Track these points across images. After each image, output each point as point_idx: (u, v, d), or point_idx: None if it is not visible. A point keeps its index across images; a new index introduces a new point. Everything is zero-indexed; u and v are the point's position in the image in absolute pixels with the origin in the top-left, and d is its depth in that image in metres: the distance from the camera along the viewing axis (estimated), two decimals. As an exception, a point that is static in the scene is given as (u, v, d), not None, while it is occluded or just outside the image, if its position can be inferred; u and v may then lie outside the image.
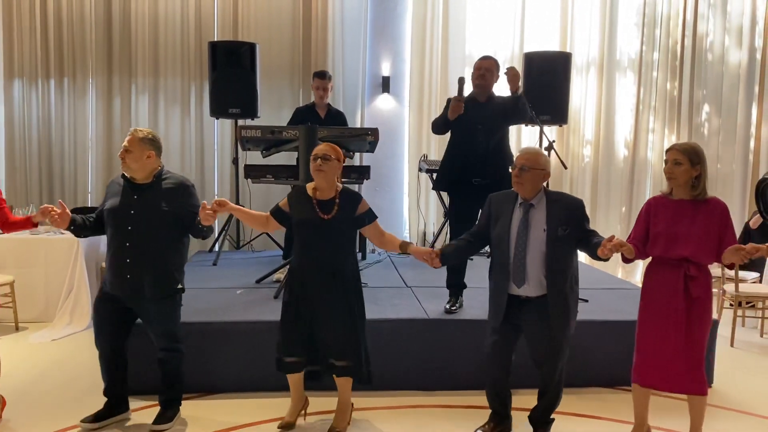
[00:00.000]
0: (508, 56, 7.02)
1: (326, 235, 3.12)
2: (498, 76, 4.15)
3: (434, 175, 6.29)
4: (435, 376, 3.90)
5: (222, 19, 6.82)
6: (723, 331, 5.14)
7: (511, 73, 3.96)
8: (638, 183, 7.29)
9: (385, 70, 6.88)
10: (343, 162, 3.25)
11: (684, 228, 2.91)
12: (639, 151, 7.25)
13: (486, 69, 4.07)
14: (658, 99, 7.24)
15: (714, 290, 5.53)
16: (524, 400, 3.43)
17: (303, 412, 3.42)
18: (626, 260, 3.02)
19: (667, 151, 2.99)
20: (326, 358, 3.19)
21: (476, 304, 4.10)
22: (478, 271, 4.23)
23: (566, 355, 3.12)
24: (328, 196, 3.16)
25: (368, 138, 4.54)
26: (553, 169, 6.34)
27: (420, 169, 6.37)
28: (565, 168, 5.37)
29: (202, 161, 6.93)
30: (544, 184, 3.14)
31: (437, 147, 7.02)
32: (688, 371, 2.96)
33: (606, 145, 7.20)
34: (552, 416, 3.26)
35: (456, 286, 4.16)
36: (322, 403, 3.54)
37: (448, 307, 4.05)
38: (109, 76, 6.78)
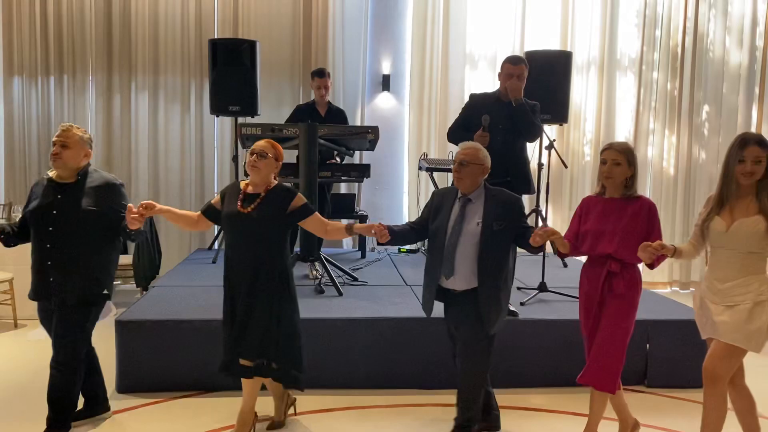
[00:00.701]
0: (509, 54, 6.99)
1: (248, 230, 3.02)
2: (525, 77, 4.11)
3: (434, 174, 6.33)
4: (435, 375, 3.89)
5: (222, 17, 6.80)
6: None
7: (512, 86, 3.95)
8: (638, 182, 7.26)
9: (386, 68, 6.88)
10: (281, 161, 3.15)
11: (610, 226, 2.94)
12: (639, 151, 7.23)
13: (518, 76, 4.02)
14: (659, 99, 7.23)
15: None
16: (524, 399, 3.43)
17: (289, 409, 3.36)
18: (560, 255, 3.06)
19: (604, 150, 3.00)
20: (248, 356, 3.04)
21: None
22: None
23: (490, 351, 3.09)
24: (256, 191, 3.09)
25: (369, 136, 4.54)
26: (553, 168, 6.36)
27: (420, 168, 6.36)
28: (566, 167, 5.36)
29: (202, 159, 6.92)
30: (484, 179, 3.15)
31: (438, 146, 7.01)
32: (597, 365, 2.95)
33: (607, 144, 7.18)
34: (473, 422, 3.14)
35: None
36: (321, 401, 3.53)
37: None
38: (109, 74, 6.77)
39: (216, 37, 6.68)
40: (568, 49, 6.87)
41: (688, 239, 2.98)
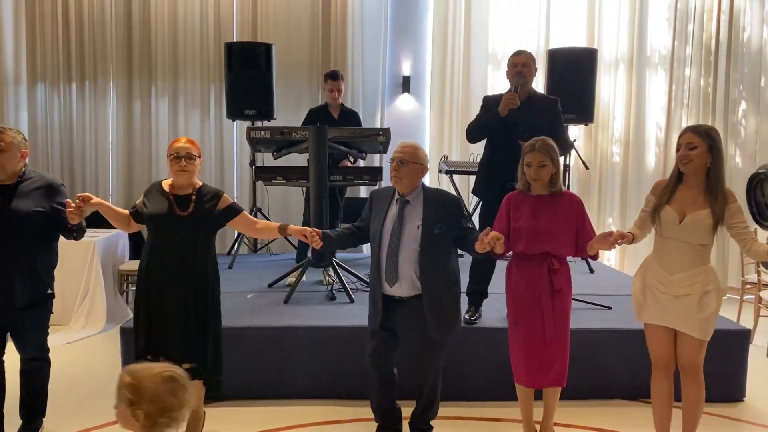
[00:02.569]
0: (533, 54, 6.80)
1: (181, 232, 2.94)
2: (536, 69, 3.94)
3: (454, 177, 6.17)
4: (447, 385, 3.73)
5: (241, 20, 6.78)
6: (759, 341, 4.86)
7: (507, 99, 3.77)
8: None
9: (406, 69, 6.75)
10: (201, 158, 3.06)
11: (544, 223, 2.94)
12: (671, 150, 6.93)
13: (523, 64, 3.83)
14: (692, 96, 6.92)
15: (750, 296, 5.27)
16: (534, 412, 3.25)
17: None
18: (497, 256, 2.99)
19: (528, 153, 2.96)
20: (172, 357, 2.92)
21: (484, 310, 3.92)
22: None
23: (441, 359, 3.06)
24: (184, 193, 3.00)
25: (380, 138, 4.41)
26: (577, 169, 6.14)
27: (440, 171, 6.21)
28: (587, 168, 5.15)
29: (222, 164, 6.90)
30: (425, 179, 3.09)
31: (459, 148, 6.85)
32: (554, 364, 2.97)
33: (636, 144, 6.92)
34: (431, 424, 3.18)
35: (477, 293, 3.96)
36: (332, 411, 3.41)
37: (467, 317, 3.85)
38: (129, 79, 6.81)
39: (234, 40, 6.65)
40: (595, 46, 6.64)
41: (634, 223, 3.01)
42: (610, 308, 4.22)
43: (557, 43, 6.66)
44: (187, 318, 2.95)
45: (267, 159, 5.72)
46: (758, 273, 5.03)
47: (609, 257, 7.00)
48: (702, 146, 2.75)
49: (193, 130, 6.85)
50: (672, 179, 2.87)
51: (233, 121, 6.43)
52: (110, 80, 6.83)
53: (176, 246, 2.94)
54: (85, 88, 6.80)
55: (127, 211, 3.13)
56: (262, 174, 4.70)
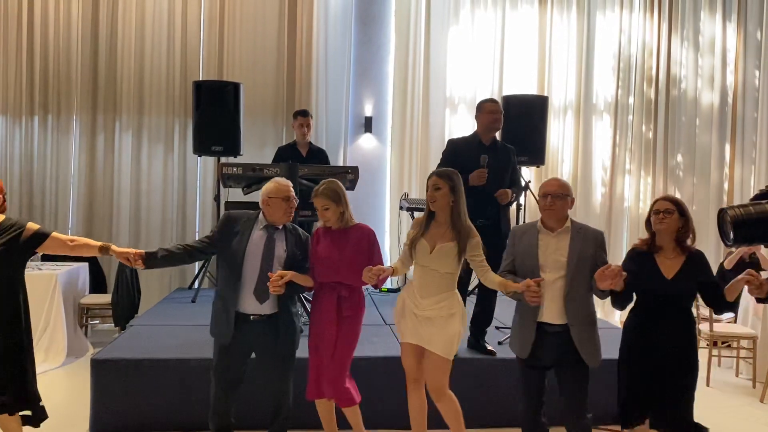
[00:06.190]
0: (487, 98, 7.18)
1: None
2: None
3: (414, 214, 6.40)
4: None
5: (207, 59, 6.93)
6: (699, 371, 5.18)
7: (500, 196, 4.15)
8: (615, 223, 7.41)
9: (368, 110, 7.01)
10: (4, 193, 3.09)
11: (337, 254, 3.24)
12: (616, 192, 7.40)
13: (500, 113, 4.25)
14: (634, 141, 7.42)
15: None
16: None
17: None
18: (309, 289, 3.33)
19: (315, 198, 3.29)
20: None
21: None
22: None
23: (293, 372, 3.31)
24: None
25: (348, 176, 4.61)
26: (530, 208, 6.46)
27: (401, 208, 6.42)
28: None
29: (185, 198, 6.94)
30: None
31: (419, 186, 7.11)
32: (335, 384, 3.28)
33: (584, 184, 7.34)
34: None
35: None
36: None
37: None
38: (94, 114, 6.83)
39: (201, 78, 6.79)
40: (545, 93, 7.07)
41: (399, 258, 3.33)
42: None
43: (510, 89, 7.06)
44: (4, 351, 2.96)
45: (232, 194, 5.82)
46: (697, 308, 5.40)
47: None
48: (445, 187, 3.13)
49: (156, 165, 6.90)
50: (425, 216, 3.22)
51: (199, 156, 6.53)
52: (74, 114, 6.84)
53: None
54: (48, 122, 6.79)
55: None
56: (232, 209, 4.80)
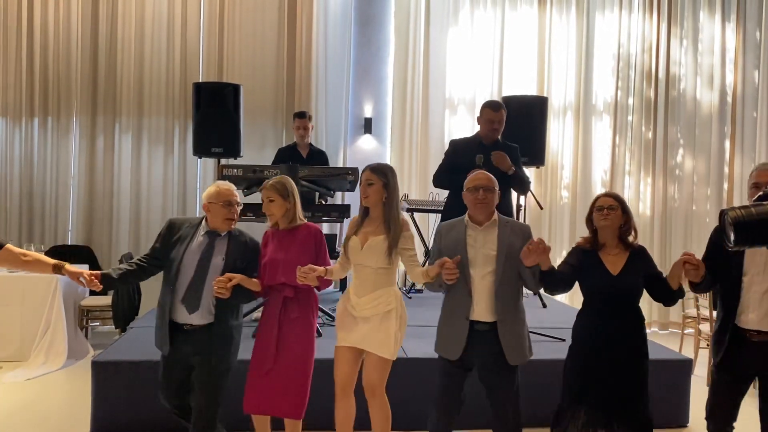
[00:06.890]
0: (487, 99, 7.18)
1: None
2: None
3: (414, 215, 6.41)
4: (414, 417, 3.87)
5: (207, 60, 6.94)
6: (699, 371, 5.18)
7: (496, 158, 4.13)
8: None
9: (368, 111, 7.02)
10: None
11: (282, 254, 3.14)
12: (615, 189, 7.40)
13: (499, 122, 4.27)
14: (634, 141, 7.43)
15: (690, 330, 5.62)
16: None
17: None
18: (259, 294, 3.19)
19: (263, 189, 3.21)
20: None
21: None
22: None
23: (226, 385, 3.11)
24: None
25: (349, 177, 4.61)
26: (530, 209, 6.47)
27: (401, 209, 6.43)
28: (541, 208, 5.49)
29: (184, 200, 6.95)
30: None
31: (418, 187, 7.11)
32: (288, 394, 3.11)
33: (583, 184, 7.34)
34: None
35: None
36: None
37: None
38: (93, 116, 6.84)
39: (201, 80, 6.80)
40: (545, 94, 7.07)
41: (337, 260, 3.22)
42: (563, 340, 4.45)
43: (510, 90, 7.06)
44: None
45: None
46: (697, 308, 5.41)
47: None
48: (378, 183, 3.06)
49: (156, 167, 6.91)
50: (360, 214, 3.16)
51: (199, 158, 6.53)
52: (74, 116, 6.85)
53: None
54: (47, 124, 6.80)
55: None
56: (233, 210, 4.81)
